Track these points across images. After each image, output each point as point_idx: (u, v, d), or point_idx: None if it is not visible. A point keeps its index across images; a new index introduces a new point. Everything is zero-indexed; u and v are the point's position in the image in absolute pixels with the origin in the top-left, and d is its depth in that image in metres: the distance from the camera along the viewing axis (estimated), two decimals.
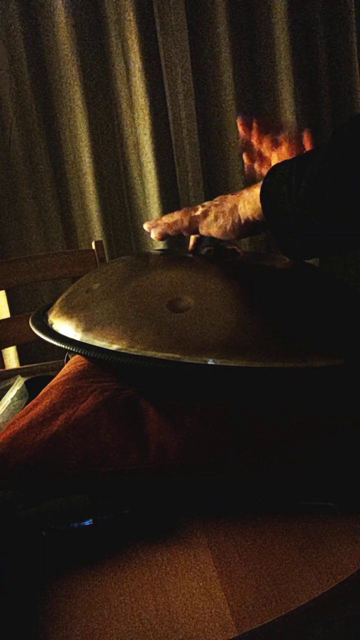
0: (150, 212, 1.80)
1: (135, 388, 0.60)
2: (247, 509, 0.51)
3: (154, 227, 0.65)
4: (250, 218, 0.57)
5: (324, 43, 1.84)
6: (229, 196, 0.61)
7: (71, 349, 0.55)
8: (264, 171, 0.78)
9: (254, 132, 0.79)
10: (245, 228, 0.58)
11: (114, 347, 0.53)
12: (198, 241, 0.68)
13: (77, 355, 0.71)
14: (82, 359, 0.70)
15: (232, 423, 0.53)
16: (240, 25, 1.78)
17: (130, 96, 1.75)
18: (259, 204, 0.55)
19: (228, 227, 0.59)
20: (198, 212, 0.62)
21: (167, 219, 0.65)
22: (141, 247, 1.86)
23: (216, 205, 0.61)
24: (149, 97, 1.73)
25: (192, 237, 0.66)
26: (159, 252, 0.73)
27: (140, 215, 1.84)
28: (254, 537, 0.48)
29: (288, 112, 1.82)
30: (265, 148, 0.78)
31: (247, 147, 0.80)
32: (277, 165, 0.56)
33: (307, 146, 0.75)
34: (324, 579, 0.43)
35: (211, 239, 0.65)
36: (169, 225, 0.64)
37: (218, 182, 1.86)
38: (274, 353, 0.51)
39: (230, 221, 0.59)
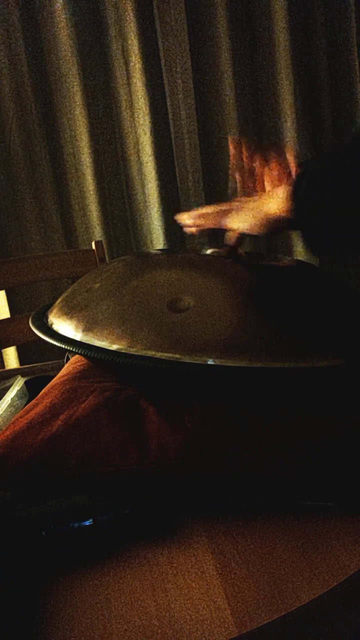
0: (151, 212, 1.80)
1: (135, 388, 0.60)
2: (247, 509, 0.51)
3: (187, 218, 0.67)
4: (282, 214, 0.58)
5: (324, 43, 1.84)
6: (262, 193, 0.63)
7: (71, 349, 0.55)
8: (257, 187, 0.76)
9: (245, 151, 0.77)
10: (270, 224, 0.60)
11: (114, 347, 0.53)
12: (240, 239, 0.68)
13: (77, 355, 0.71)
14: (82, 359, 0.70)
15: (232, 423, 0.53)
16: (240, 25, 1.78)
17: (130, 96, 1.75)
18: (283, 201, 0.57)
19: (254, 222, 0.60)
20: (229, 207, 0.64)
21: (200, 211, 0.66)
22: (141, 247, 1.86)
23: (247, 202, 0.63)
24: (149, 97, 1.73)
25: (232, 235, 0.67)
26: (159, 252, 0.73)
27: (140, 215, 1.84)
28: (254, 537, 0.48)
29: (288, 111, 1.82)
30: (256, 166, 0.76)
31: (238, 167, 0.77)
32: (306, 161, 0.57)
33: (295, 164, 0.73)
34: (324, 579, 0.43)
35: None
36: (199, 216, 0.66)
37: (218, 182, 1.86)
38: (274, 353, 0.51)
39: (262, 216, 0.60)
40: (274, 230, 0.61)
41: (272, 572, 0.44)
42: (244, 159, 0.76)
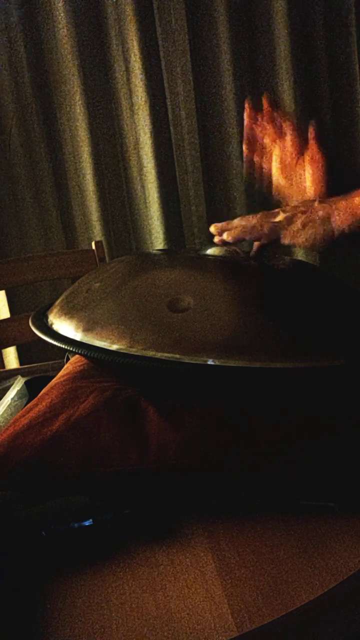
0: (150, 212, 1.80)
1: (135, 388, 0.60)
2: (247, 509, 0.51)
3: (227, 229, 0.60)
4: (347, 230, 0.53)
5: (323, 43, 1.84)
6: (317, 203, 0.56)
7: (71, 349, 0.55)
8: (265, 164, 0.72)
9: (260, 120, 0.71)
10: (338, 240, 0.54)
11: (114, 347, 0.53)
12: (263, 247, 0.62)
13: (77, 355, 0.71)
14: (82, 359, 0.70)
15: (232, 423, 0.53)
16: (240, 25, 1.78)
17: (130, 96, 1.75)
18: (354, 212, 0.52)
19: (318, 238, 0.55)
20: (280, 218, 0.57)
21: (243, 222, 0.59)
22: (141, 247, 1.86)
23: (303, 213, 0.56)
24: (149, 97, 1.73)
25: (257, 243, 0.61)
26: (159, 252, 0.73)
27: (140, 215, 1.84)
28: (254, 537, 0.48)
29: (288, 111, 1.82)
30: (268, 138, 0.72)
31: (249, 136, 0.73)
32: None
33: (312, 139, 0.67)
34: (324, 579, 0.43)
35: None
36: (245, 229, 0.58)
37: (218, 182, 1.86)
38: (274, 353, 0.51)
39: (322, 231, 0.54)
40: (339, 245, 0.55)
41: (272, 572, 0.44)
42: (257, 129, 0.71)
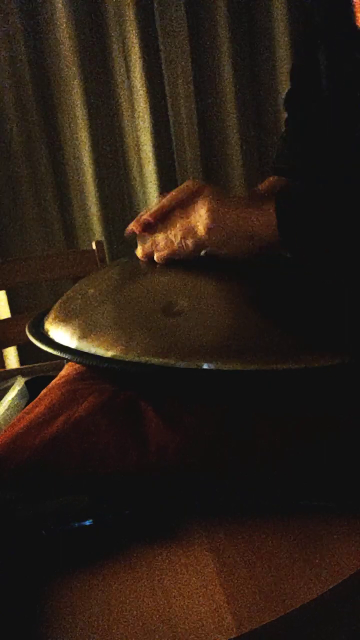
0: None
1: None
2: (247, 509, 0.51)
3: (142, 246, 0.60)
4: (268, 233, 0.55)
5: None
6: (234, 206, 0.56)
7: (67, 357, 0.55)
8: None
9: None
10: (261, 244, 0.56)
11: (109, 353, 0.53)
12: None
13: None
14: None
15: (231, 423, 0.53)
16: (240, 25, 1.78)
17: (130, 96, 1.75)
18: (271, 217, 0.53)
19: (241, 244, 0.57)
20: (193, 224, 0.57)
21: (157, 236, 0.59)
22: None
23: (219, 215, 0.57)
24: (149, 97, 1.73)
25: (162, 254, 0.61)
26: None
27: None
28: (254, 537, 0.48)
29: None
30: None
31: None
32: None
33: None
34: (324, 579, 0.43)
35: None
36: (173, 251, 0.59)
37: (218, 182, 1.86)
38: (270, 355, 0.51)
39: (244, 237, 0.56)
40: (263, 252, 0.55)
41: (272, 572, 0.44)
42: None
